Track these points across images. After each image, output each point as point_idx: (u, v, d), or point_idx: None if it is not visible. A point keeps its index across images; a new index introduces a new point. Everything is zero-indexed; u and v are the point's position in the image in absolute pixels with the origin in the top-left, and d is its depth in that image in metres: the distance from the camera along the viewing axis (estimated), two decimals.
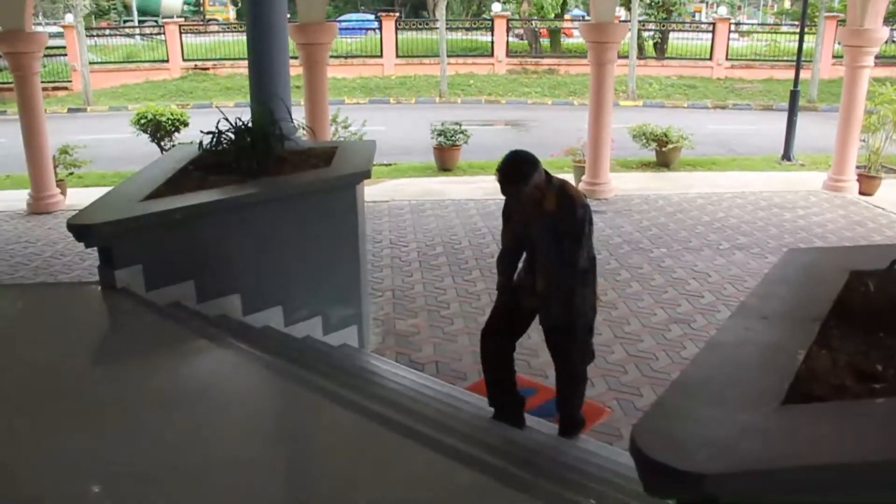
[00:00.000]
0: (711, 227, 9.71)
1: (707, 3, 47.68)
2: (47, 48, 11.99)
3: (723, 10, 30.91)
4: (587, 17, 14.07)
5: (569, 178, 12.01)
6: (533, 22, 29.08)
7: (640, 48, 25.84)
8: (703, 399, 2.12)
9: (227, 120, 5.33)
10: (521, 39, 30.72)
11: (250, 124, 5.46)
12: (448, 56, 24.31)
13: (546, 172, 4.12)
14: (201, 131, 5.51)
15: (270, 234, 4.88)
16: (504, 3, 29.55)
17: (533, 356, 5.87)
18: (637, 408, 5.15)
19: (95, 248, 4.45)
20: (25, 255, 9.00)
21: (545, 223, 4.13)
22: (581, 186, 11.40)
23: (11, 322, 4.68)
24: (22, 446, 2.89)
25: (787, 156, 14.31)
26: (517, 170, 4.03)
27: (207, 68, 26.42)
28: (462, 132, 13.34)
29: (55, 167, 11.50)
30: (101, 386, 3.53)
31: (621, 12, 25.73)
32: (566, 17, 31.63)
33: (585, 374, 4.52)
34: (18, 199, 11.40)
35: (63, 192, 11.46)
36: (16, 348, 4.04)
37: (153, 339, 3.98)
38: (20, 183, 12.23)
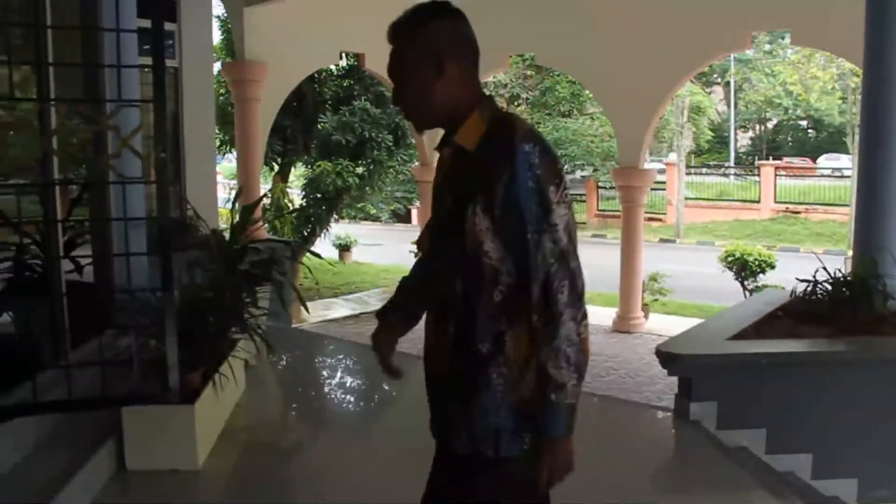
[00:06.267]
0: None
1: None
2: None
3: None
4: None
5: None
6: None
7: None
8: None
9: (825, 269, 5.14)
10: None
11: (849, 276, 5.19)
12: None
13: (490, 99, 2.02)
14: (797, 278, 5.40)
15: (855, 398, 4.50)
16: None
17: None
18: None
19: (675, 378, 4.63)
20: (603, 368, 9.72)
21: (454, 184, 1.97)
22: None
23: (580, 427, 5.10)
24: None
25: None
26: (408, 17, 1.97)
27: (799, 212, 25.97)
28: None
29: (643, 291, 12.36)
30: None
31: None
32: None
33: None
34: (605, 315, 12.42)
35: (646, 316, 12.24)
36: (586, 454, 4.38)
37: (712, 477, 3.99)
38: (608, 301, 13.37)
